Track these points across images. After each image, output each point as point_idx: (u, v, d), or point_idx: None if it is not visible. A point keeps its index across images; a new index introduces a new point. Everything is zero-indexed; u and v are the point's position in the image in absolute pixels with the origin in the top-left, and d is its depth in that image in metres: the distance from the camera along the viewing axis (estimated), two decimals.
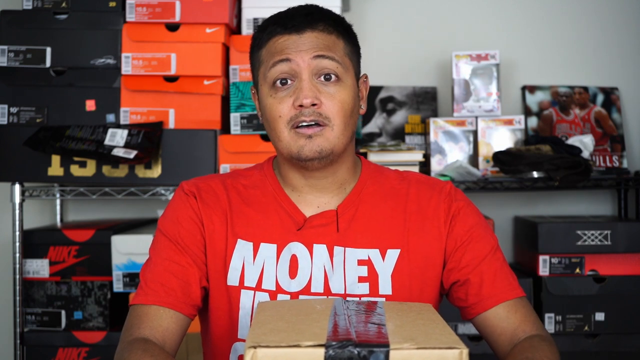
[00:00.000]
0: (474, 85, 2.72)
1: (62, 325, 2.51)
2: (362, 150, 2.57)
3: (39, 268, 2.52)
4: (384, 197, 1.49)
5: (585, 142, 2.62)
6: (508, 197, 2.96)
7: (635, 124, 2.94)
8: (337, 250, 1.44)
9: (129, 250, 2.48)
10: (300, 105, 1.39)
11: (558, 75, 2.94)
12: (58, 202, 2.92)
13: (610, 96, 2.87)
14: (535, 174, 2.54)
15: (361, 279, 1.42)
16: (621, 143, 2.82)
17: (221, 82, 2.49)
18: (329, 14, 1.47)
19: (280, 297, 1.42)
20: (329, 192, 1.48)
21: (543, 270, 2.52)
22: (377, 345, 1.02)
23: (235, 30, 2.62)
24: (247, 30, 2.58)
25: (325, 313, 1.15)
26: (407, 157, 2.56)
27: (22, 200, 2.54)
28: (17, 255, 2.51)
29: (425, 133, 2.82)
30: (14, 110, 2.51)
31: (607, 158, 2.79)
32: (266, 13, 2.52)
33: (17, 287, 2.50)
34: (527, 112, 2.85)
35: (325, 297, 1.41)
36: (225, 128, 2.56)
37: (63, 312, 2.51)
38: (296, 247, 1.44)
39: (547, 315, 2.50)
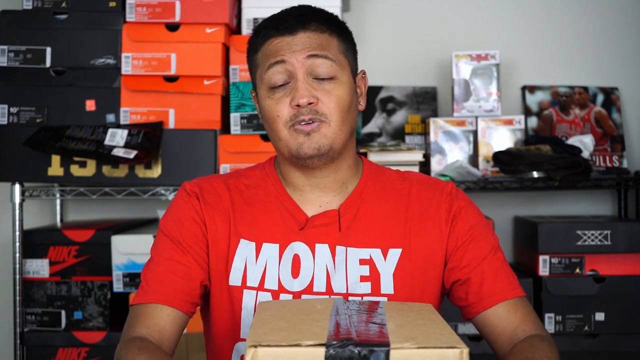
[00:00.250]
0: (474, 85, 2.72)
1: (62, 325, 2.51)
2: (362, 150, 2.57)
3: (39, 268, 2.52)
4: (385, 196, 1.49)
5: (585, 142, 2.62)
6: (508, 197, 2.96)
7: (635, 124, 2.94)
8: (339, 249, 1.44)
9: (129, 250, 2.48)
10: (298, 105, 1.40)
11: (558, 75, 2.94)
12: (58, 202, 2.92)
13: (610, 96, 2.87)
14: (535, 174, 2.54)
15: (363, 279, 1.43)
16: (621, 143, 2.82)
17: (221, 82, 2.49)
18: (322, 13, 1.48)
19: (282, 296, 1.42)
20: (330, 191, 1.48)
21: (543, 270, 2.52)
22: (377, 344, 1.02)
23: (235, 30, 2.62)
24: (247, 30, 2.58)
25: (325, 312, 1.15)
26: (407, 157, 2.56)
27: (22, 200, 2.54)
28: (17, 255, 2.51)
29: (425, 133, 2.82)
30: (14, 110, 2.51)
31: (607, 158, 2.79)
32: (266, 13, 2.50)
33: (17, 287, 2.50)
34: (527, 112, 2.85)
35: (326, 296, 1.41)
36: (225, 128, 2.56)
37: (63, 312, 2.51)
38: (298, 247, 1.44)
39: (547, 315, 2.50)
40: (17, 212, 2.52)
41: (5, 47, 2.50)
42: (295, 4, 1.51)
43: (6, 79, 2.51)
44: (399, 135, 2.88)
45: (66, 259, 2.52)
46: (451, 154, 2.70)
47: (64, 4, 2.53)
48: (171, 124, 2.50)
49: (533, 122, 2.83)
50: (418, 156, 2.56)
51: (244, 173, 1.55)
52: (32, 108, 2.51)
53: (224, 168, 2.47)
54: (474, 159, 2.70)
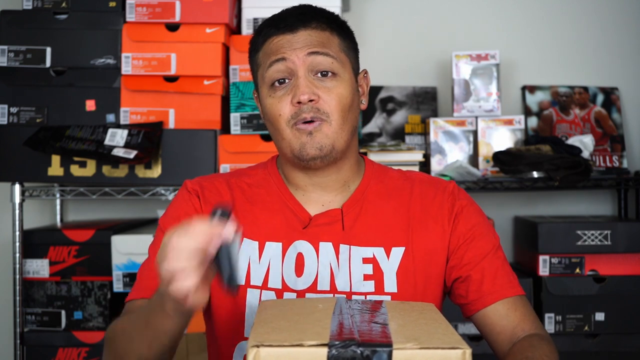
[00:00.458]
0: (474, 85, 2.72)
1: (62, 325, 2.51)
2: (362, 150, 2.57)
3: (39, 268, 2.52)
4: (387, 196, 1.50)
5: (585, 142, 2.62)
6: (508, 197, 2.96)
7: (635, 124, 2.94)
8: (343, 248, 1.44)
9: (129, 250, 2.48)
10: (299, 102, 1.40)
11: (558, 75, 2.94)
12: (58, 202, 2.92)
13: (610, 96, 2.88)
14: (535, 174, 2.54)
15: (366, 277, 1.43)
16: (621, 143, 2.82)
17: (221, 82, 2.49)
18: (322, 12, 1.48)
19: (286, 295, 1.42)
20: (332, 191, 1.49)
21: (543, 270, 2.52)
22: (380, 344, 1.02)
23: (235, 30, 2.61)
24: (247, 30, 2.58)
25: (328, 312, 1.15)
26: (407, 157, 2.56)
27: (22, 200, 2.54)
28: (17, 255, 2.51)
29: (425, 133, 2.82)
30: (14, 110, 2.51)
31: (607, 158, 2.79)
32: (266, 13, 2.52)
33: (17, 287, 2.50)
34: (527, 112, 2.85)
35: (328, 296, 1.41)
36: (225, 128, 2.56)
37: (63, 312, 2.51)
38: (302, 245, 1.44)
39: (547, 315, 2.50)
40: (17, 212, 2.52)
41: (5, 47, 2.50)
42: (296, 4, 1.51)
43: (6, 79, 2.51)
44: (399, 135, 2.88)
45: (66, 259, 2.51)
46: (451, 154, 2.70)
47: (64, 4, 2.52)
48: (171, 124, 2.50)
49: (533, 122, 2.83)
50: (418, 156, 2.56)
51: (246, 172, 1.55)
52: (32, 108, 2.51)
53: (224, 168, 2.47)
54: (474, 159, 2.70)
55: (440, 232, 1.47)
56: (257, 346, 1.00)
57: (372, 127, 2.89)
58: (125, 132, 2.45)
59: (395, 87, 2.92)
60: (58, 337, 2.50)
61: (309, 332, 1.05)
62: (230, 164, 2.47)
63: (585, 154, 2.60)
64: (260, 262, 1.44)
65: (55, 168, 2.49)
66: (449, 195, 1.50)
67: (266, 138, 2.48)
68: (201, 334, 2.35)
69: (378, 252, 1.45)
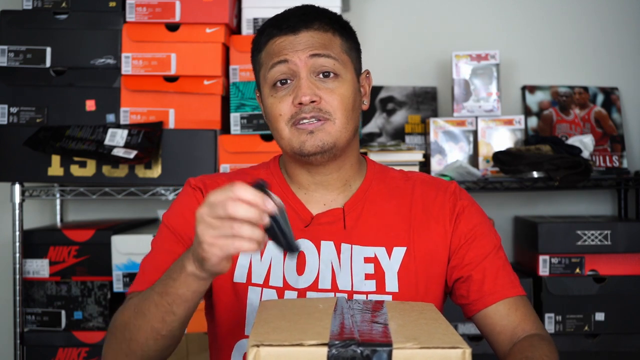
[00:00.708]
0: (474, 85, 2.72)
1: (62, 325, 2.51)
2: (362, 150, 2.57)
3: (39, 268, 2.52)
4: (389, 196, 1.50)
5: (585, 142, 2.62)
6: (508, 197, 2.96)
7: (635, 124, 2.94)
8: (344, 247, 1.45)
9: (129, 250, 2.48)
10: (300, 103, 1.40)
11: (558, 75, 2.94)
12: (58, 202, 2.92)
13: (610, 96, 2.88)
14: (535, 174, 2.54)
15: (368, 276, 1.43)
16: (621, 143, 2.82)
17: (221, 82, 2.49)
18: (325, 13, 1.49)
19: (287, 293, 1.42)
20: (334, 190, 1.49)
21: (543, 270, 2.52)
22: (380, 344, 1.02)
23: (235, 30, 2.62)
24: (247, 30, 2.58)
25: (328, 312, 1.15)
26: (407, 157, 2.56)
27: (22, 200, 2.54)
28: (17, 255, 2.51)
29: (425, 133, 2.83)
30: (14, 110, 2.51)
31: (607, 158, 2.79)
32: (266, 13, 2.55)
33: (17, 287, 2.50)
34: (527, 112, 2.85)
35: (329, 295, 1.41)
36: (225, 128, 2.56)
37: (63, 312, 2.51)
38: (303, 244, 1.44)
39: (547, 315, 2.50)
40: (17, 212, 2.52)
41: (5, 47, 2.50)
42: (296, 4, 1.51)
43: (6, 79, 2.51)
44: (399, 135, 2.88)
45: (66, 259, 2.51)
46: (451, 154, 2.70)
47: (64, 4, 2.53)
48: (171, 124, 2.50)
49: (533, 122, 2.83)
50: (418, 156, 2.57)
51: (248, 172, 1.56)
52: (32, 108, 2.51)
53: (224, 168, 2.47)
54: (474, 159, 2.70)
55: (441, 232, 1.47)
56: (257, 346, 1.00)
57: (372, 127, 2.89)
58: (125, 132, 2.45)
59: (395, 87, 2.92)
60: (58, 337, 2.50)
61: (309, 331, 1.05)
62: (230, 164, 2.47)
63: (585, 154, 2.60)
64: (262, 260, 1.44)
65: (55, 168, 2.49)
66: (451, 195, 1.50)
67: (266, 138, 2.48)
68: (201, 334, 2.35)
69: (379, 251, 1.45)
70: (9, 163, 2.51)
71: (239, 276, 1.44)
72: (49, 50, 2.51)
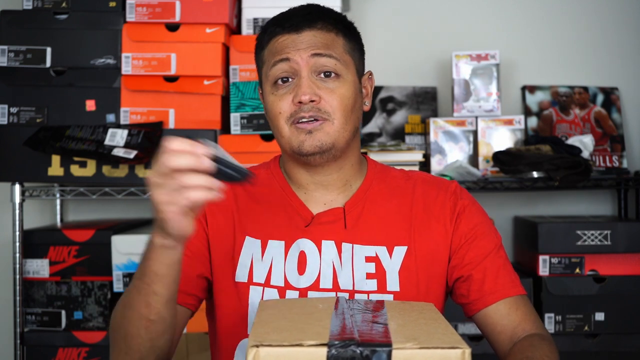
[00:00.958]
0: (474, 85, 2.72)
1: (62, 325, 2.51)
2: (362, 150, 2.56)
3: (39, 268, 2.52)
4: (390, 195, 1.50)
5: (585, 142, 2.62)
6: (508, 197, 2.96)
7: (635, 124, 2.94)
8: (345, 246, 1.45)
9: (129, 250, 2.48)
10: (300, 102, 1.41)
11: (558, 75, 2.94)
12: (58, 202, 2.92)
13: (610, 96, 2.88)
14: (535, 174, 2.54)
15: (369, 276, 1.43)
16: (621, 143, 2.82)
17: (221, 82, 2.49)
18: (329, 13, 1.49)
19: (289, 293, 1.42)
20: (335, 190, 1.49)
21: (543, 270, 2.52)
22: (379, 344, 1.02)
23: (235, 30, 2.62)
24: (247, 30, 2.58)
25: (327, 312, 1.15)
26: (407, 157, 2.56)
27: (22, 200, 2.54)
28: (17, 255, 2.51)
29: (425, 133, 2.83)
30: (14, 110, 2.51)
31: (607, 158, 2.79)
32: (266, 13, 2.55)
33: (17, 287, 2.50)
34: (527, 112, 2.85)
35: (330, 295, 1.42)
36: (225, 128, 2.56)
37: (63, 312, 2.51)
38: (304, 244, 1.44)
39: (547, 315, 2.50)
40: (17, 212, 2.52)
41: (5, 47, 2.50)
42: (296, 4, 1.51)
43: (6, 79, 2.51)
44: (399, 135, 2.88)
45: (66, 259, 2.51)
46: (451, 154, 2.70)
47: (64, 4, 2.53)
48: (171, 124, 2.50)
49: (533, 122, 2.83)
50: (418, 156, 2.57)
51: None
52: (32, 108, 2.51)
53: None
54: (474, 159, 2.70)
55: (442, 231, 1.48)
56: (257, 346, 1.01)
57: (372, 127, 2.89)
58: (125, 132, 2.45)
59: (395, 87, 2.92)
60: (58, 337, 2.50)
61: (308, 331, 1.06)
62: None
63: (585, 154, 2.60)
64: (263, 260, 1.44)
65: (55, 168, 2.49)
66: (451, 194, 1.50)
67: (266, 138, 2.48)
68: (201, 334, 2.35)
69: (380, 250, 1.45)
70: (9, 163, 2.51)
71: (241, 276, 1.44)
72: (49, 50, 2.51)
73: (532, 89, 2.88)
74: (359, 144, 1.53)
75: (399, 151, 2.57)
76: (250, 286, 1.43)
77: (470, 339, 2.47)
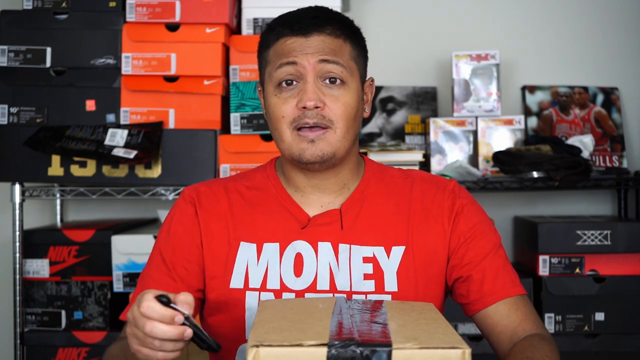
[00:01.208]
0: (474, 85, 2.72)
1: (62, 325, 2.51)
2: (362, 150, 2.57)
3: (39, 268, 2.52)
4: (387, 195, 1.50)
5: (585, 142, 2.62)
6: (508, 197, 2.96)
7: (635, 124, 2.94)
8: (342, 247, 1.44)
9: (129, 250, 2.48)
10: (304, 107, 1.39)
11: (558, 75, 2.94)
12: (58, 202, 2.92)
13: (610, 96, 2.88)
14: (535, 174, 2.54)
15: (367, 276, 1.43)
16: (621, 143, 2.82)
17: (221, 82, 2.49)
18: (337, 17, 1.47)
19: (285, 295, 1.42)
20: (332, 192, 1.49)
21: (543, 270, 2.52)
22: (379, 344, 1.02)
23: (235, 30, 2.61)
24: (247, 30, 2.58)
25: (327, 312, 1.15)
26: (407, 157, 2.56)
27: (22, 200, 2.54)
28: (17, 255, 2.51)
29: (425, 133, 2.83)
30: (14, 110, 2.51)
31: (607, 158, 2.79)
32: (266, 13, 2.55)
33: (17, 287, 2.50)
34: (527, 112, 2.85)
35: (328, 295, 1.41)
36: (225, 128, 2.56)
37: (63, 312, 2.51)
38: (300, 246, 1.44)
39: (547, 315, 2.50)
40: (17, 212, 2.52)
41: (5, 47, 2.50)
42: (297, 5, 1.51)
43: (6, 79, 2.51)
44: (399, 135, 2.88)
45: (66, 259, 2.51)
46: (451, 154, 2.70)
47: (64, 4, 2.52)
48: (171, 124, 2.50)
49: (533, 122, 2.83)
50: (418, 156, 2.57)
51: (245, 175, 1.56)
52: (32, 108, 2.51)
53: (224, 168, 2.47)
54: (474, 159, 2.70)
55: (440, 231, 1.47)
56: (257, 346, 1.01)
57: (372, 127, 2.89)
58: (125, 132, 2.45)
59: (395, 87, 2.92)
60: (58, 337, 2.50)
61: (308, 331, 1.06)
62: (231, 164, 2.47)
63: (585, 154, 2.60)
64: (258, 264, 1.44)
65: (55, 168, 2.49)
66: (450, 193, 1.50)
67: (266, 138, 2.48)
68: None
69: (378, 251, 1.45)
70: (9, 163, 2.51)
71: (236, 282, 1.44)
72: (49, 50, 2.51)
73: (532, 89, 2.88)
74: (358, 148, 1.53)
75: (399, 151, 2.57)
76: (247, 291, 1.43)
77: (470, 339, 2.47)
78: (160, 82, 2.50)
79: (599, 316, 2.51)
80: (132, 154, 2.39)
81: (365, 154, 2.53)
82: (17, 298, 2.50)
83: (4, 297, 2.80)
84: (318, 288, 1.42)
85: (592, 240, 2.52)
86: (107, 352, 1.41)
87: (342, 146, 1.43)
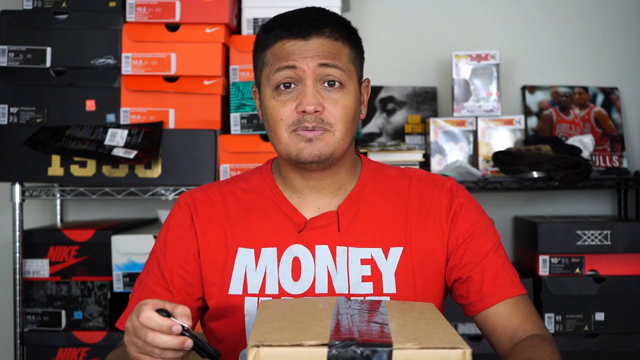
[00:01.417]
0: (474, 85, 2.72)
1: (62, 325, 2.51)
2: (362, 150, 2.57)
3: (39, 268, 2.52)
4: (385, 195, 1.49)
5: (585, 142, 2.62)
6: (508, 197, 2.96)
7: (635, 124, 2.94)
8: (340, 250, 1.44)
9: (129, 250, 2.48)
10: (303, 111, 1.39)
11: (558, 75, 2.94)
12: (58, 202, 2.92)
13: (610, 96, 2.88)
14: (535, 174, 2.54)
15: (365, 278, 1.42)
16: (621, 143, 2.82)
17: (221, 82, 2.49)
18: (336, 19, 1.46)
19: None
20: (328, 194, 1.48)
21: (543, 270, 2.52)
22: (380, 344, 1.02)
23: (235, 30, 2.61)
24: (247, 30, 2.58)
25: (327, 312, 1.15)
26: (407, 157, 2.56)
27: (22, 200, 2.54)
28: (17, 255, 2.51)
29: (425, 133, 2.83)
30: (14, 110, 2.51)
31: (607, 158, 2.79)
32: (266, 13, 2.55)
33: (17, 287, 2.50)
34: (527, 112, 2.85)
35: (328, 296, 1.41)
36: (225, 128, 2.56)
37: (63, 312, 2.51)
38: (298, 249, 1.44)
39: (547, 315, 2.50)
40: (17, 212, 2.52)
41: (5, 47, 2.50)
42: (296, 4, 1.50)
43: (6, 79, 2.51)
44: (399, 135, 2.88)
45: (66, 259, 2.51)
46: (451, 154, 2.70)
47: (64, 4, 2.52)
48: (171, 124, 2.50)
49: (533, 122, 2.83)
50: (418, 156, 2.57)
51: (241, 177, 1.55)
52: (32, 108, 2.51)
53: (224, 168, 2.47)
54: (474, 159, 2.70)
55: (438, 231, 1.46)
56: (257, 346, 1.01)
57: (372, 127, 2.89)
58: (125, 132, 2.45)
59: (395, 87, 2.92)
60: (58, 337, 2.50)
61: (309, 332, 1.06)
62: (230, 164, 2.47)
63: (585, 154, 2.60)
64: (256, 269, 1.44)
65: (55, 168, 2.49)
66: (447, 192, 1.49)
67: (266, 138, 2.48)
68: (201, 333, 2.35)
69: (376, 252, 1.44)
70: (9, 163, 2.51)
71: (235, 288, 1.43)
72: (49, 50, 2.51)
73: (532, 89, 2.88)
74: (354, 149, 1.52)
75: (399, 151, 2.57)
76: (245, 297, 1.42)
77: (470, 339, 2.47)
78: (160, 82, 2.50)
79: (599, 316, 2.51)
80: (132, 154, 2.39)
81: (365, 154, 2.53)
82: (17, 298, 2.50)
83: (4, 297, 2.80)
84: (316, 292, 1.42)
85: (592, 240, 2.52)
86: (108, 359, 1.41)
87: (340, 147, 1.42)
